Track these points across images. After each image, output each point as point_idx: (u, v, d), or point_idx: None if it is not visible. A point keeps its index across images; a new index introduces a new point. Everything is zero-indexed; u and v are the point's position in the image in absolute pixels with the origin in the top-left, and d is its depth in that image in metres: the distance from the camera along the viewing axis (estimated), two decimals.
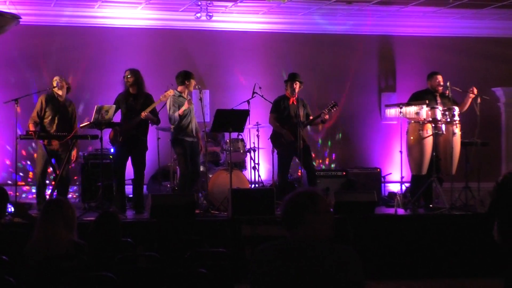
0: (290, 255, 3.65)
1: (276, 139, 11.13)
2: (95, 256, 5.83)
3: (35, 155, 11.32)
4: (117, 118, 10.42)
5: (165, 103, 10.53)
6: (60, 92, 10.34)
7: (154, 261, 6.17)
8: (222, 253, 6.74)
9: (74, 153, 10.35)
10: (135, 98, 10.35)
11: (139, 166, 10.40)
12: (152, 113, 10.30)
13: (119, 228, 6.17)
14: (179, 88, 10.60)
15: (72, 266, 5.44)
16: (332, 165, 13.73)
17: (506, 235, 7.68)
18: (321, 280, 3.57)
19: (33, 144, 11.92)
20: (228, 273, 6.34)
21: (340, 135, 13.89)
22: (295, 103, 11.08)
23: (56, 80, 10.37)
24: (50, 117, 10.30)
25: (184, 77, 10.58)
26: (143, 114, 10.13)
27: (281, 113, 11.08)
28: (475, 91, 10.94)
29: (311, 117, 11.12)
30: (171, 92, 10.36)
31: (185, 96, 10.55)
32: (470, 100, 10.97)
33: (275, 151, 11.27)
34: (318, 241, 3.69)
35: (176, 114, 10.40)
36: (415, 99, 11.01)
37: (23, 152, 12.29)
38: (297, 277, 3.59)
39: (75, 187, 12.13)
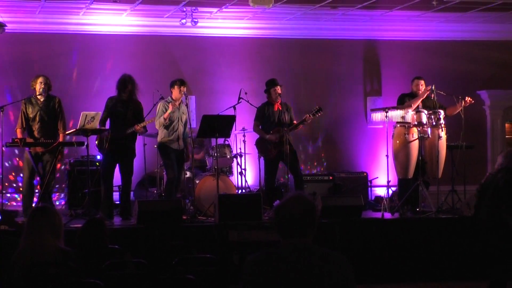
0: (284, 262, 3.64)
1: (261, 146, 11.13)
2: (83, 263, 5.82)
3: (21, 163, 11.30)
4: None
5: (155, 108, 10.64)
6: (39, 96, 10.31)
7: (141, 267, 6.17)
8: (209, 259, 6.73)
9: (59, 157, 10.33)
10: (126, 104, 10.35)
11: (127, 173, 10.40)
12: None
13: (106, 235, 6.17)
14: (172, 94, 10.68)
15: (59, 273, 5.43)
16: (319, 170, 13.74)
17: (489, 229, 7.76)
18: (314, 287, 3.57)
19: (16, 151, 11.88)
20: (216, 279, 6.34)
21: (327, 139, 13.91)
22: (280, 108, 11.09)
23: (41, 82, 10.28)
24: (31, 117, 10.29)
25: (170, 85, 10.67)
26: (138, 127, 10.19)
27: (266, 120, 11.08)
28: (469, 100, 10.97)
29: (295, 122, 11.13)
30: (151, 121, 10.50)
31: (176, 103, 10.59)
32: (460, 108, 11.00)
33: (261, 156, 11.27)
34: (310, 247, 3.69)
35: (161, 118, 10.46)
36: (402, 100, 11.06)
37: (10, 160, 12.25)
38: (291, 284, 3.58)
39: (61, 194, 12.09)
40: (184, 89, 10.62)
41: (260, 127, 11.12)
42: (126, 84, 10.35)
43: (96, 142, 10.37)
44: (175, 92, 10.62)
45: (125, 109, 10.33)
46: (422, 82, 11.16)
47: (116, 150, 10.22)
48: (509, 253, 7.69)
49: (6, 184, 12.08)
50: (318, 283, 3.58)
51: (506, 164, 7.90)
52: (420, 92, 11.04)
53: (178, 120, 10.63)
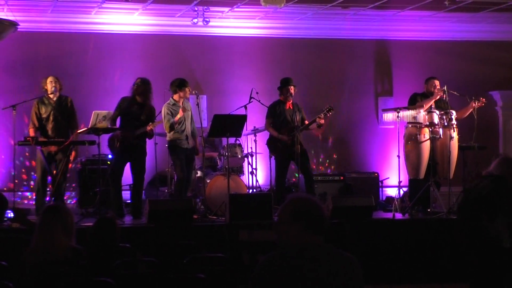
0: (294, 262, 3.64)
1: (272, 145, 11.14)
2: (93, 262, 5.84)
3: (33, 162, 11.35)
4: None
5: (160, 111, 10.61)
6: (51, 95, 10.36)
7: (152, 266, 6.18)
8: (220, 258, 6.75)
9: (72, 155, 10.38)
10: (140, 107, 10.37)
11: (139, 172, 10.41)
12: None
13: (116, 234, 6.18)
14: (174, 96, 10.65)
15: (70, 271, 5.45)
16: (330, 170, 13.73)
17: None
18: (324, 286, 3.57)
19: (27, 149, 11.91)
20: (226, 278, 6.35)
21: (338, 139, 13.90)
22: (291, 107, 11.10)
23: (51, 82, 10.35)
24: (45, 117, 10.33)
25: (176, 87, 10.64)
26: (149, 128, 10.21)
27: (277, 118, 11.09)
28: (482, 101, 10.94)
29: (306, 122, 11.14)
30: (159, 122, 10.53)
31: (180, 104, 10.59)
32: (471, 109, 10.96)
33: (272, 156, 11.27)
34: (320, 247, 3.69)
35: (172, 121, 10.48)
36: (414, 100, 11.03)
37: (22, 158, 12.30)
38: (301, 283, 3.58)
39: (72, 193, 12.12)
40: (188, 90, 10.65)
41: (272, 125, 11.12)
42: (145, 87, 10.34)
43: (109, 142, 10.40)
44: (184, 94, 10.60)
45: (140, 111, 10.34)
46: (437, 82, 11.13)
47: (126, 149, 10.23)
48: (487, 260, 7.65)
49: (16, 181, 12.12)
50: (327, 283, 3.58)
51: (498, 173, 7.79)
52: (436, 92, 11.00)
53: (184, 119, 10.63)
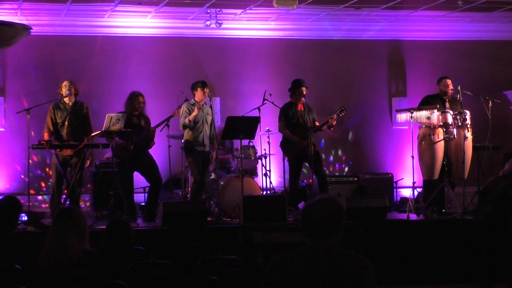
0: (306, 264, 3.63)
1: (286, 146, 11.12)
2: (107, 265, 5.85)
3: (47, 166, 11.39)
4: None
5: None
6: (66, 99, 10.39)
7: (166, 269, 6.19)
8: (234, 260, 6.74)
9: (88, 161, 10.42)
10: (138, 116, 10.51)
11: (155, 176, 10.42)
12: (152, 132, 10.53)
13: (130, 236, 6.19)
14: (195, 97, 10.73)
15: (84, 274, 5.46)
16: (343, 171, 13.71)
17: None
18: None
19: (41, 153, 11.95)
20: (240, 281, 6.34)
21: (351, 140, 13.88)
22: (302, 108, 11.08)
23: (65, 86, 10.40)
24: (60, 122, 10.37)
25: (191, 88, 10.74)
26: (153, 129, 10.37)
27: (290, 119, 11.08)
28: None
29: (317, 123, 11.11)
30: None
31: (200, 104, 10.64)
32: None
33: (286, 158, 11.25)
34: (334, 250, 3.68)
35: (187, 120, 10.52)
36: (426, 102, 11.00)
37: (36, 162, 12.35)
38: (312, 285, 3.57)
39: (86, 196, 12.15)
40: (207, 90, 10.67)
41: (285, 127, 11.09)
42: (129, 100, 10.48)
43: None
44: (198, 94, 10.65)
45: (138, 120, 10.46)
46: (450, 81, 11.08)
47: (129, 159, 10.22)
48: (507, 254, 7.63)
49: (34, 184, 12.16)
50: (338, 285, 3.56)
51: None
52: (449, 91, 10.96)
53: (203, 122, 10.67)
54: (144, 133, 10.34)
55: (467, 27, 13.99)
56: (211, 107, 10.76)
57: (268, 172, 11.59)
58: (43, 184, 12.49)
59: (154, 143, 10.58)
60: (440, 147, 10.55)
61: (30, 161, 10.95)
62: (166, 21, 12.99)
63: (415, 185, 10.66)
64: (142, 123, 10.46)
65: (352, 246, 8.64)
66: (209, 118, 10.76)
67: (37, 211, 11.05)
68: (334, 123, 10.91)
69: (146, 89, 11.47)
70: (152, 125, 10.57)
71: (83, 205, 11.76)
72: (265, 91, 11.50)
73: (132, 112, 10.43)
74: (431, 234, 9.94)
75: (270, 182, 11.62)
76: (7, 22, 10.46)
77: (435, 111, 10.58)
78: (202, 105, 10.68)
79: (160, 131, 10.78)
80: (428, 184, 10.80)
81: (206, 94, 10.64)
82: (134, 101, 10.45)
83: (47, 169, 11.88)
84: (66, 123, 10.37)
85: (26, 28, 10.22)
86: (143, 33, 13.07)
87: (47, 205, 11.45)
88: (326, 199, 3.77)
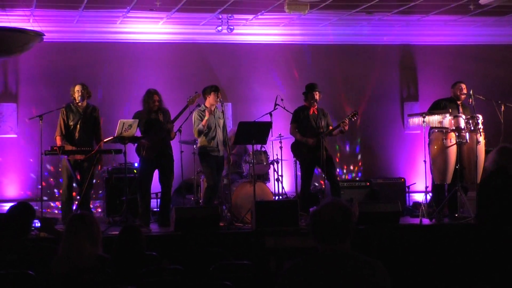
0: (321, 268, 3.63)
1: (297, 149, 11.12)
2: (120, 270, 5.86)
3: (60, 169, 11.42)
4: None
5: (191, 116, 10.69)
6: (79, 103, 10.45)
7: (178, 274, 6.19)
8: (246, 265, 6.74)
9: (99, 166, 10.47)
10: (156, 112, 10.49)
11: (168, 180, 10.46)
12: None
13: (142, 242, 6.20)
14: (205, 102, 10.73)
15: (97, 279, 5.47)
16: (356, 175, 13.69)
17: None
18: None
19: (55, 159, 11.98)
20: (252, 285, 6.34)
21: (363, 145, 13.87)
22: (315, 112, 11.09)
23: (78, 91, 10.46)
24: (72, 125, 10.42)
25: (203, 92, 10.74)
26: (169, 125, 10.34)
27: (301, 123, 11.08)
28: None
29: (330, 127, 11.12)
30: (198, 96, 10.54)
31: (211, 109, 10.66)
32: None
33: (297, 161, 11.26)
34: (348, 254, 3.68)
35: (200, 126, 10.52)
36: (437, 106, 11.00)
37: (49, 168, 12.39)
38: None
39: (99, 202, 12.19)
40: (220, 95, 10.68)
41: (297, 129, 11.11)
42: (146, 97, 10.49)
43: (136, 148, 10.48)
44: (211, 99, 10.66)
45: (157, 116, 10.46)
46: (464, 86, 11.10)
47: (154, 157, 10.29)
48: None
49: (46, 190, 12.21)
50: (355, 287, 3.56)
51: (500, 163, 7.66)
52: (463, 96, 10.97)
53: (215, 127, 10.68)
54: (163, 127, 10.37)
55: (478, 31, 13.96)
56: (222, 111, 10.79)
57: (280, 177, 11.59)
58: (52, 188, 12.52)
59: (175, 134, 10.62)
60: (453, 151, 10.53)
61: (43, 167, 10.97)
62: (178, 27, 13.02)
63: (428, 189, 10.64)
64: (160, 117, 10.47)
65: (364, 251, 8.61)
66: (221, 122, 10.77)
67: (50, 217, 11.07)
68: (346, 127, 10.91)
69: None
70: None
71: (93, 210, 11.78)
72: (277, 96, 11.51)
73: (150, 109, 10.48)
74: (444, 239, 9.91)
75: (282, 187, 11.62)
76: (19, 29, 10.51)
77: (447, 115, 10.57)
78: (213, 110, 10.70)
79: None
80: (438, 188, 10.82)
81: (219, 99, 10.65)
82: (150, 99, 10.49)
83: (59, 169, 11.87)
84: (78, 126, 10.44)
85: (39, 35, 10.27)
86: (155, 39, 13.11)
87: (59, 211, 11.47)
88: (332, 203, 3.78)
